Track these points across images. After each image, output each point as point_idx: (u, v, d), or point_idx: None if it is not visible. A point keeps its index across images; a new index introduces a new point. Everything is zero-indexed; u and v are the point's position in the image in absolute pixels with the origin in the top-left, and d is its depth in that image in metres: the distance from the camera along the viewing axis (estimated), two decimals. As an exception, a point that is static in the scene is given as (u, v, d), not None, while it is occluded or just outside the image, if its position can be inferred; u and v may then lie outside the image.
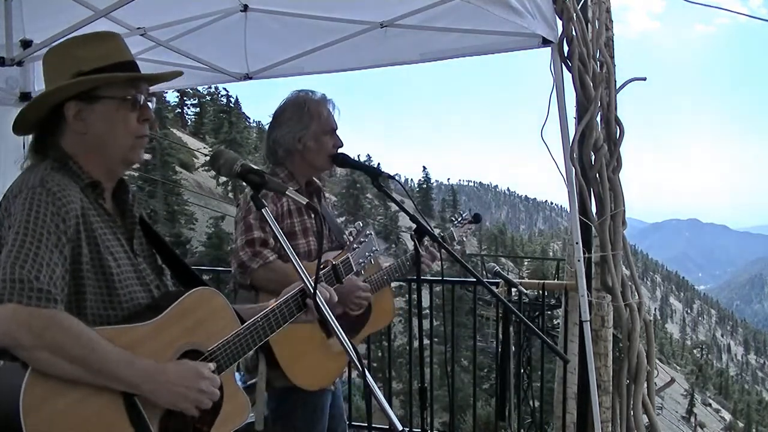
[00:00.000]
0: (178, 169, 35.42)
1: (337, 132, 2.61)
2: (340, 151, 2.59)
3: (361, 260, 2.27)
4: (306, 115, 2.54)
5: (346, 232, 2.43)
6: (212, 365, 1.56)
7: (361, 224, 2.34)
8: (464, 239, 2.99)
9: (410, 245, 2.50)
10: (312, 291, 1.65)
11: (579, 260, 3.10)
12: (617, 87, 3.16)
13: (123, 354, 1.39)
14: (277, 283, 2.31)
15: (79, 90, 1.54)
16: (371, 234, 2.31)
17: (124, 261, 1.58)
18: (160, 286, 1.68)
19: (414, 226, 2.26)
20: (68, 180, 1.50)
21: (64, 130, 1.57)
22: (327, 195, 2.93)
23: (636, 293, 3.16)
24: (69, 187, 1.48)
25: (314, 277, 1.64)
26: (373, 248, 2.31)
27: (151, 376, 1.42)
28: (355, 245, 2.30)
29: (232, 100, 46.64)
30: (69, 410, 1.34)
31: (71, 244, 1.43)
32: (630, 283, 3.14)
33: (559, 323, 4.59)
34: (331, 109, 2.61)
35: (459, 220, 2.99)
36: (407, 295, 4.68)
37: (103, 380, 1.37)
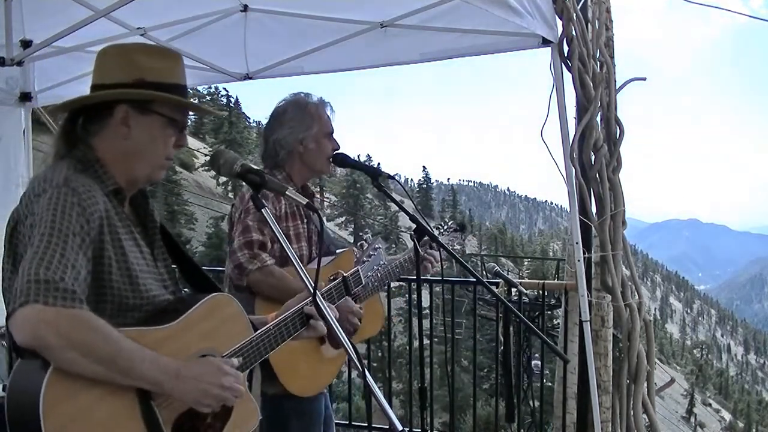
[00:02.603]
0: (178, 169, 35.46)
1: (334, 134, 2.62)
2: (339, 151, 2.60)
3: (369, 273, 2.32)
4: (308, 117, 2.54)
5: (357, 245, 2.47)
6: (236, 361, 1.55)
7: (371, 237, 2.37)
8: (453, 247, 2.97)
9: (410, 245, 2.51)
10: (312, 293, 1.64)
11: (579, 260, 3.10)
12: (617, 87, 3.16)
13: (148, 352, 1.39)
14: (273, 288, 2.31)
15: (138, 98, 1.56)
16: (380, 248, 2.36)
17: (145, 266, 1.59)
18: (176, 292, 1.70)
19: (414, 226, 2.26)
20: (92, 182, 1.51)
21: (103, 128, 1.58)
22: (327, 195, 2.94)
23: (636, 293, 3.16)
24: (93, 189, 1.49)
25: (314, 279, 1.64)
26: (381, 261, 2.36)
27: (175, 373, 1.42)
28: (364, 258, 2.34)
29: (232, 100, 46.78)
30: (86, 412, 1.34)
31: (93, 245, 1.43)
32: (630, 283, 3.14)
33: (559, 323, 4.59)
34: (329, 112, 2.61)
35: (444, 228, 2.94)
36: (407, 295, 4.68)
37: (127, 379, 1.36)
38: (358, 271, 2.29)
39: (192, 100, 1.74)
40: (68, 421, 1.30)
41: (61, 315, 1.27)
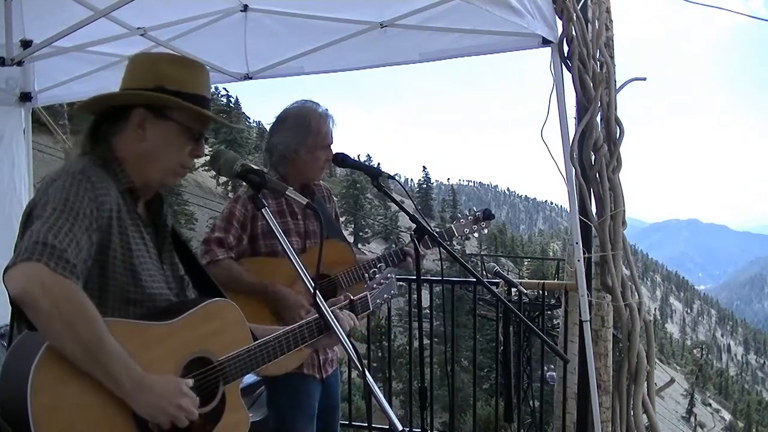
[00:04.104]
0: (178, 169, 35.36)
1: (332, 145, 2.71)
2: (339, 151, 2.61)
3: (378, 301, 2.34)
4: (305, 128, 2.64)
5: (369, 272, 2.52)
6: (190, 381, 1.54)
7: (384, 266, 2.50)
8: (471, 237, 2.96)
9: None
10: (312, 290, 1.65)
11: (579, 260, 3.10)
12: (617, 87, 3.16)
13: (123, 353, 1.39)
14: (224, 279, 2.38)
15: (153, 102, 1.60)
16: (393, 278, 2.38)
17: (150, 264, 1.61)
18: (180, 295, 1.71)
19: (414, 226, 2.27)
20: (108, 178, 1.56)
21: (122, 129, 1.62)
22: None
23: (636, 293, 3.16)
24: (108, 183, 1.54)
25: (314, 276, 1.65)
26: (392, 291, 2.40)
27: (140, 383, 1.42)
28: (374, 285, 2.35)
29: (232, 100, 46.72)
30: (74, 398, 1.35)
31: (100, 233, 1.47)
32: (630, 283, 3.14)
33: (559, 323, 4.60)
34: (330, 126, 2.70)
35: (466, 216, 2.92)
36: (407, 295, 4.67)
37: (98, 372, 1.37)
38: (366, 296, 2.31)
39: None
40: (54, 406, 1.31)
41: (59, 282, 1.31)
